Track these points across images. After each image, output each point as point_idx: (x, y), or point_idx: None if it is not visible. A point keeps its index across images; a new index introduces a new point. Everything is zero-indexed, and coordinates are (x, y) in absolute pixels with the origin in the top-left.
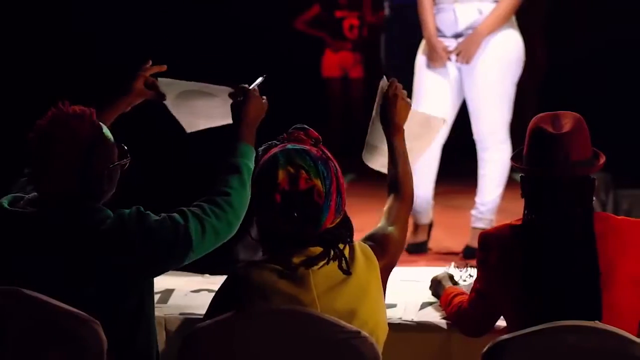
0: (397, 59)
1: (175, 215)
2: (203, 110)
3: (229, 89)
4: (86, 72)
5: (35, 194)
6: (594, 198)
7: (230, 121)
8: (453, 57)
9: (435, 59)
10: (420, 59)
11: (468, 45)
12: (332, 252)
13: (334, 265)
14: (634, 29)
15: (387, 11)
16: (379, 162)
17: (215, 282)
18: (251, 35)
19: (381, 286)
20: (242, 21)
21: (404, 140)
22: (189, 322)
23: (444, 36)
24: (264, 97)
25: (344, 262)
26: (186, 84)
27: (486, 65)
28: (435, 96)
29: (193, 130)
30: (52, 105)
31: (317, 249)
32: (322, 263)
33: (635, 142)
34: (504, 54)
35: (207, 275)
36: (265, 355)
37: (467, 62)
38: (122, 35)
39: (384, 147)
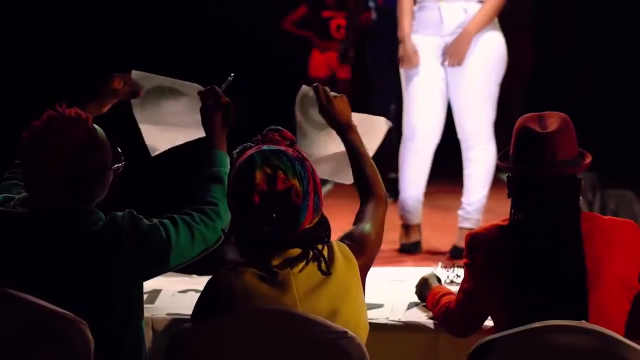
0: (384, 58)
1: (166, 221)
2: (170, 117)
3: (199, 87)
4: (80, 73)
5: (26, 194)
6: (581, 198)
7: (196, 133)
8: (440, 57)
9: (404, 61)
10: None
11: (458, 46)
12: (311, 253)
13: (314, 266)
14: (620, 30)
15: (373, 14)
16: (325, 170)
17: (202, 282)
18: (239, 35)
19: (361, 285)
20: (231, 21)
21: (359, 135)
22: (175, 322)
23: (428, 35)
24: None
25: (323, 262)
26: (158, 78)
27: (472, 66)
28: (425, 97)
29: (157, 152)
30: (48, 106)
31: (296, 251)
32: (301, 265)
33: (623, 142)
34: (489, 55)
35: (195, 275)
36: (252, 355)
37: (460, 63)
38: (118, 35)
39: (326, 153)
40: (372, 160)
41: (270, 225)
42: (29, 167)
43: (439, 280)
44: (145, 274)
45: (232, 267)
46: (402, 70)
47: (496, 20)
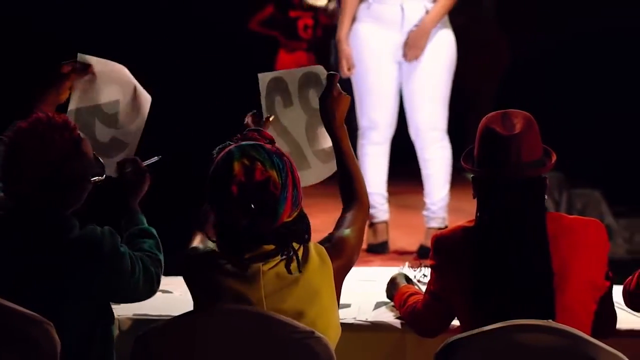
0: None
1: (131, 253)
2: (103, 130)
3: (137, 88)
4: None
5: (2, 194)
6: (547, 197)
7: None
8: (396, 53)
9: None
10: (357, 59)
11: (416, 40)
12: (285, 250)
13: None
14: (582, 30)
15: (338, 11)
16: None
17: (169, 283)
18: (206, 35)
19: (334, 288)
20: (198, 21)
21: (347, 137)
22: (142, 323)
23: (387, 29)
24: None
25: (294, 261)
26: (103, 62)
27: (426, 64)
28: (381, 90)
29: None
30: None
31: (271, 247)
32: (274, 262)
33: (590, 142)
34: (442, 53)
35: (162, 276)
36: (219, 355)
37: (417, 57)
38: (82, 34)
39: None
40: (358, 165)
41: (249, 216)
42: (8, 166)
43: (408, 279)
44: (106, 290)
45: (204, 255)
46: (356, 68)
47: (447, 19)
